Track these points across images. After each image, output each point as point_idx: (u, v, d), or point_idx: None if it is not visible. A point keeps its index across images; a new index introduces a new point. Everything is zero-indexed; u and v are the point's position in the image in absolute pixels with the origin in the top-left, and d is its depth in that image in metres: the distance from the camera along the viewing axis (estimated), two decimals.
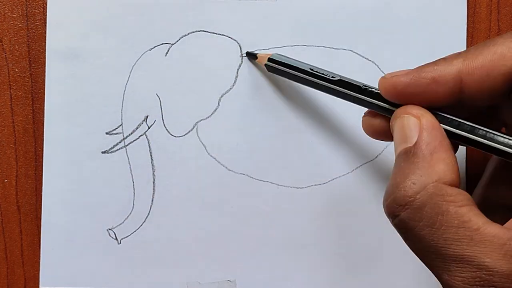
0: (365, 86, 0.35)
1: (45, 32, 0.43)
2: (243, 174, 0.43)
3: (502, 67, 0.29)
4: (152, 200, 0.43)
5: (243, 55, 0.43)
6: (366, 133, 0.36)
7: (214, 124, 0.43)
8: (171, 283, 0.43)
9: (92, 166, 0.43)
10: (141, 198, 0.43)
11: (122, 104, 0.43)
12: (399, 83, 0.32)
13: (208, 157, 0.43)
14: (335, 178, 0.43)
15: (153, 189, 0.43)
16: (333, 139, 0.43)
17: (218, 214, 0.43)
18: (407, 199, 0.28)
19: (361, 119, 0.36)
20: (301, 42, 0.43)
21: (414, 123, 0.30)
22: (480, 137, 0.30)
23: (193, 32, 0.43)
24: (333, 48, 0.43)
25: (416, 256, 0.43)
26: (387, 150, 0.43)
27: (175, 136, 0.43)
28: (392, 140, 0.32)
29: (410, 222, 0.28)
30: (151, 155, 0.43)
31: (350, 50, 0.43)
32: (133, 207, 0.43)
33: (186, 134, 0.43)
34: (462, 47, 0.43)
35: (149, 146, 0.43)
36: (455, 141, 0.31)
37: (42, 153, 0.43)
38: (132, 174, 0.43)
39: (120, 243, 0.43)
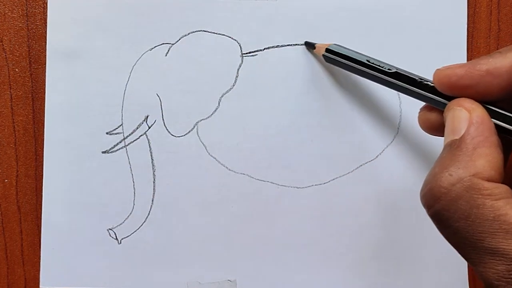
0: (421, 79, 0.35)
1: (45, 32, 0.43)
2: (244, 174, 0.43)
3: None
4: (152, 200, 0.43)
5: (243, 54, 0.43)
6: (422, 128, 0.35)
7: (214, 124, 0.43)
8: (171, 283, 0.43)
9: (92, 166, 0.43)
10: (141, 198, 0.43)
11: (123, 104, 0.43)
12: (453, 75, 0.31)
13: (208, 157, 0.43)
14: (335, 178, 0.43)
15: (153, 189, 0.43)
16: (333, 139, 0.43)
17: (218, 214, 0.43)
18: (442, 190, 0.28)
19: (418, 114, 0.36)
20: (301, 42, 0.43)
21: (464, 116, 0.30)
22: None
23: (193, 32, 0.43)
24: None
25: (416, 256, 0.43)
26: (387, 150, 0.43)
27: (175, 136, 0.43)
28: None
29: (445, 213, 0.28)
30: (151, 155, 0.43)
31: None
32: (133, 207, 0.43)
33: (186, 134, 0.43)
34: (462, 47, 0.43)
35: (150, 146, 0.43)
36: (508, 136, 0.30)
37: (42, 153, 0.43)
38: (132, 174, 0.43)
39: (120, 243, 0.43)
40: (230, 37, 0.43)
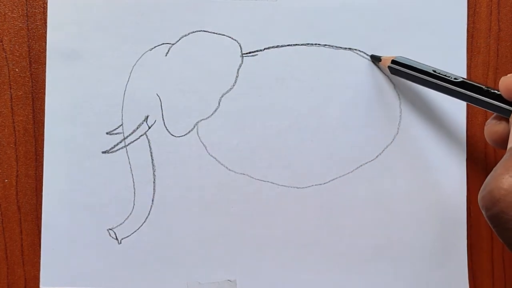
0: (487, 87, 0.35)
1: (45, 32, 0.43)
2: (244, 174, 0.43)
3: None
4: (152, 200, 0.43)
5: (243, 55, 0.43)
6: (489, 141, 0.35)
7: (215, 124, 0.43)
8: (171, 283, 0.43)
9: (93, 166, 0.43)
10: (141, 198, 0.43)
11: (123, 104, 0.43)
12: None
13: (208, 157, 0.43)
14: (335, 178, 0.43)
15: (154, 189, 0.43)
16: (333, 139, 0.43)
17: (218, 214, 0.43)
18: (502, 192, 0.27)
19: (484, 126, 0.35)
20: (301, 42, 0.43)
21: None
22: None
23: (193, 32, 0.43)
24: (333, 48, 0.43)
25: (416, 256, 0.43)
26: (387, 150, 0.43)
27: (175, 136, 0.43)
28: None
29: (504, 216, 0.27)
30: (151, 155, 0.43)
31: (350, 50, 0.43)
32: (133, 207, 0.43)
33: (186, 134, 0.43)
34: (462, 47, 0.43)
35: (150, 146, 0.43)
36: None
37: (42, 153, 0.43)
38: (132, 174, 0.43)
39: (121, 243, 0.43)
40: (230, 37, 0.43)
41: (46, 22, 0.43)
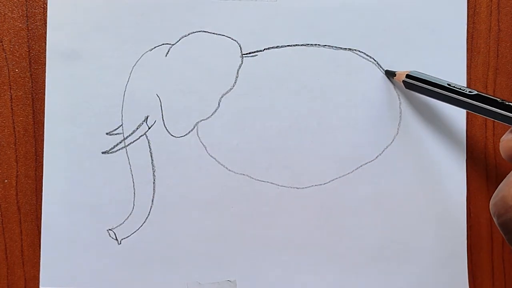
0: (502, 100, 0.35)
1: (45, 32, 0.43)
2: (243, 174, 0.43)
3: None
4: (152, 201, 0.43)
5: (243, 55, 0.43)
6: (504, 156, 0.34)
7: (214, 124, 0.43)
8: (171, 283, 0.43)
9: (92, 166, 0.43)
10: (141, 199, 0.43)
11: (122, 104, 0.43)
12: None
13: (208, 157, 0.43)
14: (335, 179, 0.43)
15: (153, 189, 0.43)
16: (333, 139, 0.43)
17: (218, 214, 0.43)
18: (508, 208, 0.27)
19: (500, 142, 0.34)
20: (301, 42, 0.43)
21: None
22: None
23: (193, 32, 0.43)
24: (333, 48, 0.43)
25: (416, 256, 0.43)
26: (387, 151, 0.43)
27: (175, 137, 0.43)
28: None
29: None
30: (151, 156, 0.43)
31: (350, 50, 0.43)
32: (133, 208, 0.43)
33: (186, 134, 0.43)
34: (462, 47, 0.43)
35: (150, 147, 0.43)
36: None
37: (42, 153, 0.43)
38: (132, 175, 0.43)
39: (120, 243, 0.43)
40: (230, 37, 0.43)
41: (46, 23, 0.43)
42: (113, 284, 0.43)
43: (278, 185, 0.43)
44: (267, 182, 0.43)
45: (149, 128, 0.43)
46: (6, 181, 0.43)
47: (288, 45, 0.43)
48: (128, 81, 0.43)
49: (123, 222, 0.43)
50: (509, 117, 0.34)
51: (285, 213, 0.43)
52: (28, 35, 0.43)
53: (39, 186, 0.43)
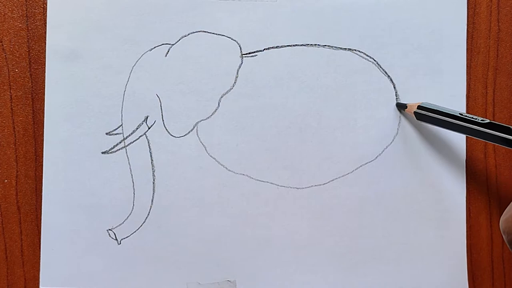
0: None
1: (45, 32, 0.43)
2: (243, 174, 0.43)
3: None
4: (152, 201, 0.43)
5: (243, 55, 0.43)
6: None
7: (214, 124, 0.43)
8: (171, 283, 0.43)
9: (92, 166, 0.43)
10: (141, 199, 0.43)
11: (122, 104, 0.43)
12: None
13: (208, 158, 0.43)
14: (334, 179, 0.43)
15: (153, 189, 0.43)
16: (333, 139, 0.43)
17: (218, 215, 0.43)
18: None
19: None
20: (301, 42, 0.43)
21: None
22: None
23: (193, 32, 0.43)
24: (333, 48, 0.43)
25: (416, 256, 0.43)
26: (387, 151, 0.43)
27: (175, 137, 0.43)
28: None
29: None
30: (151, 156, 0.43)
31: (350, 50, 0.43)
32: (133, 208, 0.43)
33: (186, 134, 0.43)
34: (462, 47, 0.43)
35: (149, 147, 0.43)
36: None
37: (42, 153, 0.43)
38: (132, 175, 0.43)
39: (120, 243, 0.43)
40: (230, 37, 0.43)
41: (45, 23, 0.43)
42: (113, 284, 0.43)
43: (278, 185, 0.43)
44: (267, 182, 0.43)
45: (149, 128, 0.43)
46: (6, 181, 0.43)
47: (288, 45, 0.43)
48: (128, 81, 0.43)
49: (123, 222, 0.43)
50: None
51: (285, 213, 0.43)
52: (28, 35, 0.43)
53: (39, 186, 0.43)
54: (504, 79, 0.43)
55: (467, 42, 0.43)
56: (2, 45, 0.43)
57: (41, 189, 0.43)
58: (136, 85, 0.43)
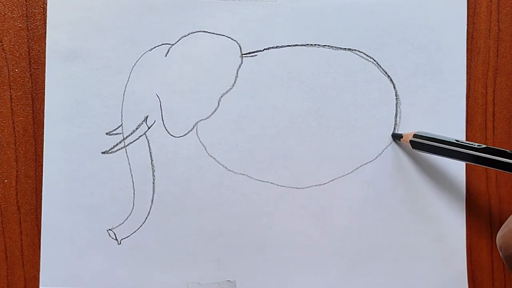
0: (511, 151, 0.35)
1: (45, 32, 0.43)
2: (243, 174, 0.43)
3: None
4: (152, 201, 0.43)
5: (243, 55, 0.43)
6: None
7: (214, 124, 0.43)
8: (171, 283, 0.43)
9: (92, 166, 0.43)
10: (141, 199, 0.43)
11: (122, 104, 0.43)
12: None
13: (208, 157, 0.43)
14: (334, 179, 0.43)
15: (153, 189, 0.43)
16: (333, 139, 0.43)
17: (218, 214, 0.43)
18: None
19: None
20: (301, 42, 0.43)
21: None
22: None
23: (193, 32, 0.43)
24: (333, 48, 0.43)
25: (416, 256, 0.43)
26: (387, 151, 0.43)
27: (175, 136, 0.43)
28: None
29: None
30: (151, 156, 0.43)
31: (350, 50, 0.43)
32: (133, 208, 0.43)
33: (186, 134, 0.43)
34: (462, 47, 0.43)
35: (149, 147, 0.43)
36: None
37: (42, 153, 0.43)
38: (132, 175, 0.43)
39: (120, 243, 0.43)
40: (229, 37, 0.43)
41: (45, 23, 0.43)
42: (113, 284, 0.43)
43: (278, 185, 0.43)
44: (267, 182, 0.43)
45: (149, 128, 0.43)
46: (6, 181, 0.43)
47: (288, 45, 0.43)
48: (128, 81, 0.43)
49: (123, 222, 0.43)
50: None
51: (285, 213, 0.43)
52: (28, 35, 0.43)
53: (39, 186, 0.43)
54: (504, 79, 0.43)
55: (467, 42, 0.43)
56: (2, 45, 0.43)
57: (41, 189, 0.43)
58: (136, 85, 0.43)
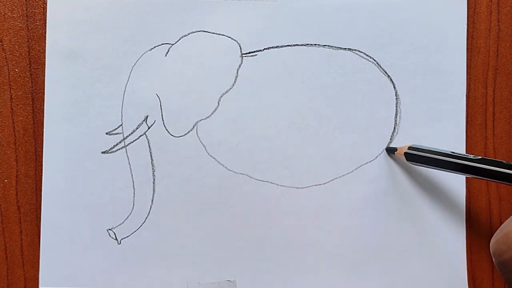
0: (508, 162, 0.35)
1: (45, 32, 0.43)
2: (243, 174, 0.43)
3: None
4: (152, 200, 0.43)
5: (243, 55, 0.43)
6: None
7: (214, 124, 0.43)
8: (171, 283, 0.43)
9: (92, 166, 0.43)
10: (141, 198, 0.43)
11: (122, 104, 0.43)
12: None
13: (207, 157, 0.43)
14: (334, 179, 0.43)
15: (153, 189, 0.43)
16: (333, 139, 0.43)
17: (218, 214, 0.43)
18: (511, 244, 0.26)
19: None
20: (301, 42, 0.43)
21: None
22: None
23: (193, 32, 0.43)
24: (333, 48, 0.43)
25: (415, 256, 0.43)
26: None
27: (175, 136, 0.43)
28: None
29: None
30: (151, 155, 0.43)
31: (350, 50, 0.43)
32: (133, 207, 0.43)
33: (186, 134, 0.43)
34: (462, 47, 0.43)
35: (149, 146, 0.43)
36: None
37: (42, 153, 0.43)
38: (132, 174, 0.43)
39: (120, 243, 0.43)
40: (229, 37, 0.43)
41: (45, 23, 0.43)
42: (113, 284, 0.43)
43: (278, 184, 0.43)
44: (267, 181, 0.43)
45: (149, 128, 0.43)
46: (6, 181, 0.43)
47: (288, 45, 0.43)
48: (128, 81, 0.43)
49: (123, 222, 0.43)
50: None
51: (285, 213, 0.43)
52: (28, 35, 0.43)
53: (39, 186, 0.43)
54: (504, 79, 0.43)
55: (467, 42, 0.43)
56: (2, 45, 0.43)
57: (41, 189, 0.43)
58: (136, 85, 0.43)
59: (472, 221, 0.43)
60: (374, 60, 0.43)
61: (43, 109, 0.43)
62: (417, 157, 0.40)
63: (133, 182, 0.43)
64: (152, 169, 0.43)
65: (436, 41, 0.43)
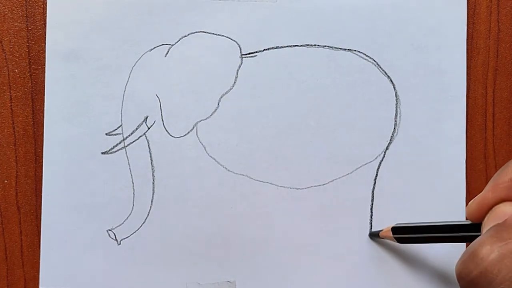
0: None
1: (45, 32, 0.43)
2: (243, 174, 0.43)
3: None
4: (151, 201, 0.43)
5: (243, 55, 0.43)
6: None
7: (214, 124, 0.43)
8: (171, 284, 0.43)
9: (92, 166, 0.43)
10: (140, 199, 0.43)
11: (122, 104, 0.43)
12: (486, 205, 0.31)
13: (207, 158, 0.43)
14: (334, 180, 0.43)
15: (153, 189, 0.43)
16: (333, 140, 0.43)
17: (217, 215, 0.43)
18: (487, 250, 0.26)
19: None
20: (301, 43, 0.43)
21: (509, 208, 0.29)
22: None
23: (193, 33, 0.43)
24: (333, 49, 0.43)
25: (415, 257, 0.43)
26: (387, 151, 0.43)
27: (174, 137, 0.43)
28: None
29: (489, 275, 0.26)
30: (150, 156, 0.43)
31: (350, 51, 0.43)
32: (132, 208, 0.43)
33: (185, 134, 0.43)
34: (462, 47, 0.43)
35: (149, 147, 0.43)
36: None
37: (42, 154, 0.43)
38: (131, 175, 0.43)
39: (120, 243, 0.43)
40: (229, 38, 0.43)
41: (45, 23, 0.43)
42: (113, 284, 0.43)
43: (278, 185, 0.43)
44: (267, 182, 0.43)
45: (149, 129, 0.43)
46: (6, 181, 0.43)
47: (287, 46, 0.43)
48: (127, 81, 0.43)
49: (122, 222, 0.43)
50: None
51: (285, 214, 0.43)
52: (28, 35, 0.43)
53: (39, 186, 0.43)
54: (504, 79, 0.43)
55: (467, 42, 0.43)
56: (2, 45, 0.43)
57: (41, 189, 0.43)
58: (136, 85, 0.43)
59: None
60: (374, 61, 0.43)
61: (43, 109, 0.43)
62: (406, 239, 0.38)
63: (132, 182, 0.43)
64: (152, 169, 0.43)
65: (436, 41, 0.43)
